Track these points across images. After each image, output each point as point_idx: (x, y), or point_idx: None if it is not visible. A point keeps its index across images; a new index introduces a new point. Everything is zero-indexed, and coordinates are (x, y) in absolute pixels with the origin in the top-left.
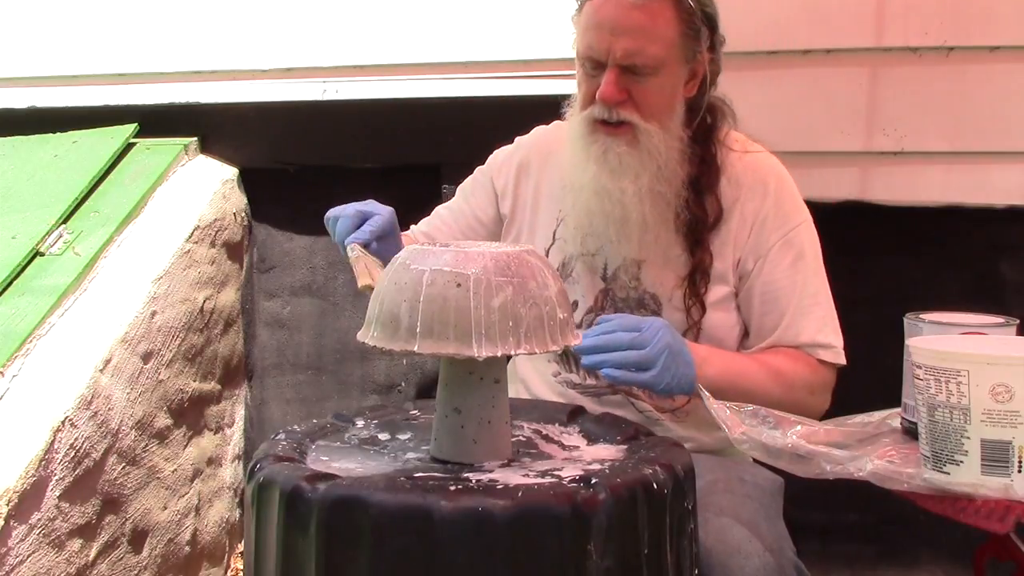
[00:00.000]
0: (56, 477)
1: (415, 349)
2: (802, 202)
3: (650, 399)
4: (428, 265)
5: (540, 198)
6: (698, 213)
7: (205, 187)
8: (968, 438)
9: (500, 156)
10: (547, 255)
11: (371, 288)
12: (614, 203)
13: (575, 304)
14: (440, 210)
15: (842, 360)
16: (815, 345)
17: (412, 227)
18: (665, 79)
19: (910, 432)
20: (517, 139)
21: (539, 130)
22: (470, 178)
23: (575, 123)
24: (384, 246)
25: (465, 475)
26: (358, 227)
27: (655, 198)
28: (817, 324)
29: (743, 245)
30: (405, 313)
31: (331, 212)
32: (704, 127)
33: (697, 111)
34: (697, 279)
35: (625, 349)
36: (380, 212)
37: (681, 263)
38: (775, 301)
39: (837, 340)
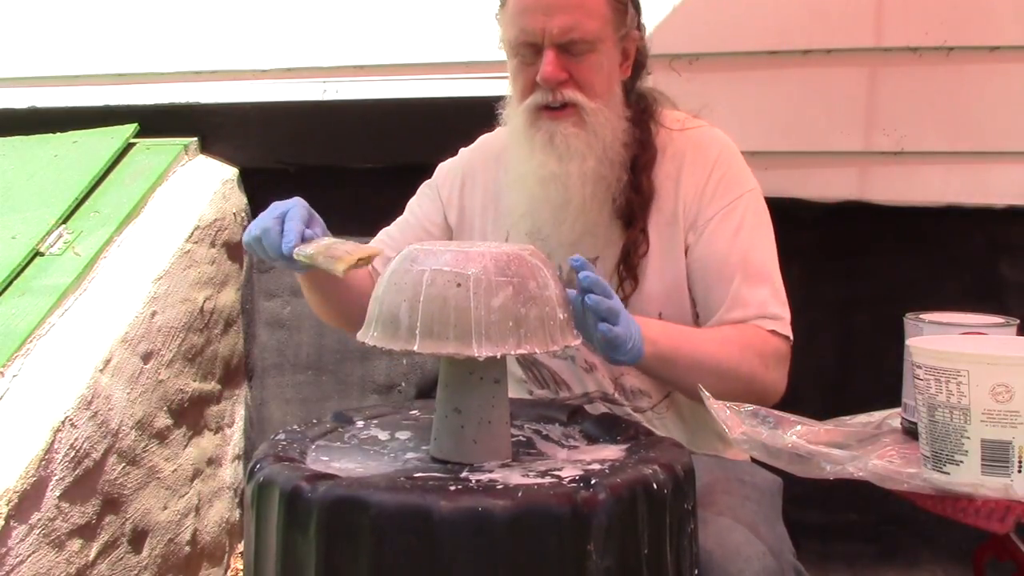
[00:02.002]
0: (56, 477)
1: (415, 349)
2: (748, 173)
3: (611, 376)
4: (428, 265)
5: (488, 204)
6: (631, 195)
7: (205, 187)
8: (968, 438)
9: (444, 168)
10: None
11: (357, 263)
12: (558, 188)
13: None
14: (384, 232)
15: (789, 333)
16: (762, 316)
17: (373, 243)
18: (602, 56)
19: (910, 432)
20: (461, 150)
21: (483, 138)
22: (415, 196)
23: (516, 116)
24: (312, 232)
25: (465, 475)
26: (282, 232)
27: (597, 181)
28: (763, 296)
29: (688, 219)
30: (405, 313)
31: (247, 237)
32: (639, 111)
33: (632, 95)
34: (630, 253)
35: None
36: (291, 205)
37: (619, 246)
38: (718, 274)
39: (784, 312)
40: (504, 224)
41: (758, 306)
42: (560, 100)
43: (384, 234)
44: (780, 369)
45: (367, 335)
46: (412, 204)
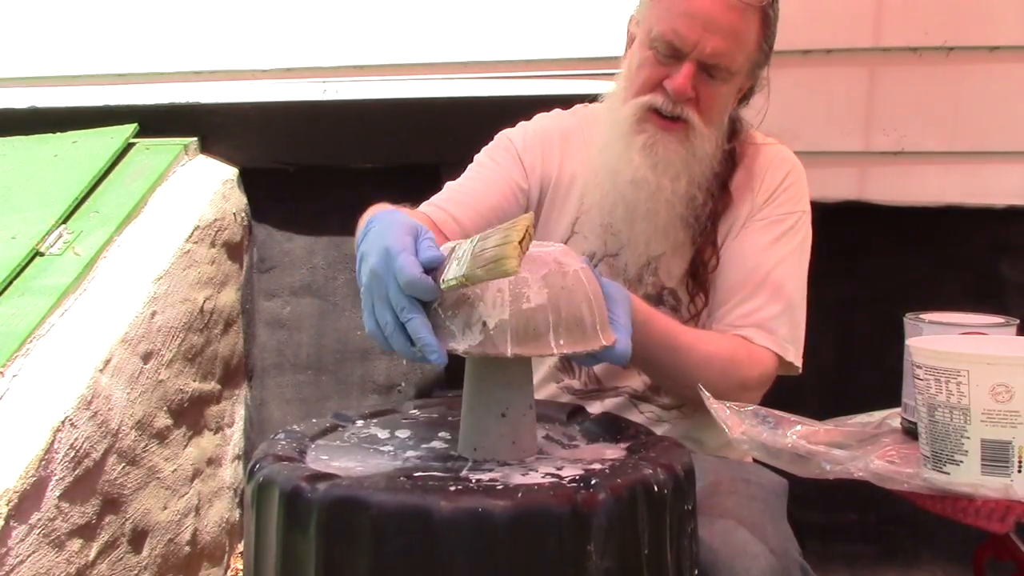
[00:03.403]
0: (56, 477)
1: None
2: (807, 195)
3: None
4: (573, 264)
5: (560, 186)
6: (708, 207)
7: (205, 187)
8: (968, 438)
9: (519, 135)
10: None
11: (522, 245)
12: (648, 196)
13: None
14: (453, 201)
15: (791, 357)
16: (759, 327)
17: (425, 207)
18: (732, 88)
19: (910, 432)
20: (537, 119)
21: (552, 115)
22: (486, 159)
23: (623, 108)
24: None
25: (465, 475)
26: (415, 252)
27: (687, 202)
28: (772, 311)
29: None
30: (543, 318)
31: (375, 265)
32: (731, 133)
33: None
34: (698, 268)
35: None
36: (409, 221)
37: (687, 253)
38: (740, 271)
39: (792, 335)
40: (571, 213)
41: (761, 316)
42: (676, 113)
43: (455, 203)
44: (756, 391)
45: (501, 345)
46: (490, 164)
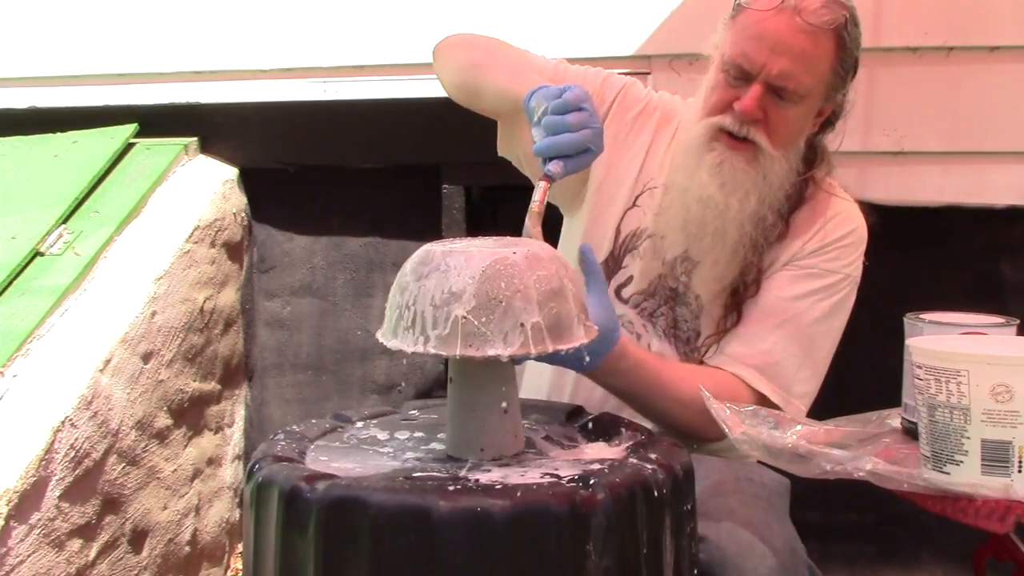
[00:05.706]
0: (56, 477)
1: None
2: (859, 264)
3: None
4: (536, 271)
5: (639, 154)
6: (777, 229)
7: (205, 187)
8: (968, 438)
9: (635, 93)
10: (622, 216)
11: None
12: (716, 215)
13: (630, 279)
14: (538, 69)
15: (789, 409)
16: (751, 366)
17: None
18: (803, 111)
19: (910, 432)
20: (653, 93)
21: (662, 95)
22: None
23: (695, 127)
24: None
25: (464, 475)
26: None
27: (756, 223)
28: (779, 357)
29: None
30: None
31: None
32: (807, 162)
33: (808, 148)
34: (740, 290)
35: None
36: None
37: (731, 271)
38: (758, 311)
39: (798, 391)
40: (637, 185)
41: (764, 360)
42: (744, 134)
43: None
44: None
45: (543, 343)
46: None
